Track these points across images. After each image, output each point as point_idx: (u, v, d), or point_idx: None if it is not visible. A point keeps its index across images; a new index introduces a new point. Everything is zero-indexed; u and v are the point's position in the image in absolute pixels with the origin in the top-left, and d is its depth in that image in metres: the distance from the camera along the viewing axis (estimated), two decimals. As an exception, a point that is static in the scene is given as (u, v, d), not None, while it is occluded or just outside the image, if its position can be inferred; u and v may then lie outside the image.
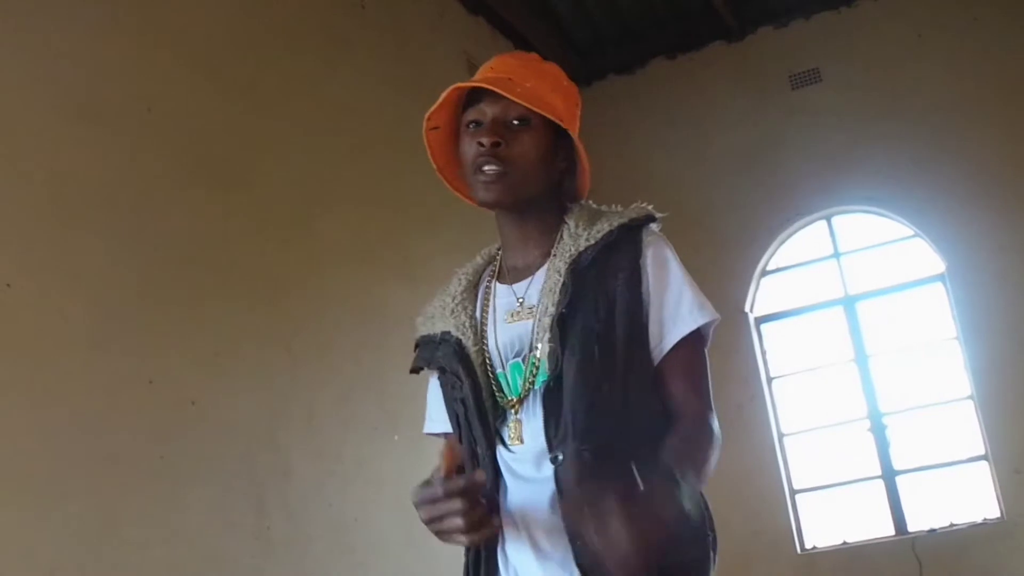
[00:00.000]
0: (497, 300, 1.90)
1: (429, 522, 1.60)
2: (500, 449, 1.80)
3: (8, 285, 3.16)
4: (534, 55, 1.99)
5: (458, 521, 1.57)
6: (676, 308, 1.81)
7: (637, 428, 1.76)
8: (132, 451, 3.45)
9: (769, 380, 6.85)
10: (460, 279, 1.97)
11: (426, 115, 1.92)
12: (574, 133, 1.89)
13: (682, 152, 7.14)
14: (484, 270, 1.99)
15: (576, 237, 1.84)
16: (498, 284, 1.92)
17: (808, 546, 6.52)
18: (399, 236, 5.08)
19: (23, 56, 3.43)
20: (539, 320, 1.81)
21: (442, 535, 1.62)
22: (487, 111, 1.85)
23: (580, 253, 1.81)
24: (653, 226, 1.88)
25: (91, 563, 3.20)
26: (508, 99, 1.82)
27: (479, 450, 1.80)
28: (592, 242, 1.82)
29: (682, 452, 1.67)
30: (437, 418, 1.98)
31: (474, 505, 1.58)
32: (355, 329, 4.64)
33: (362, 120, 5.13)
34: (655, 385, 1.81)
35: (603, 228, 1.84)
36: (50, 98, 3.48)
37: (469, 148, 1.85)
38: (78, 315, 3.39)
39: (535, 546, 1.75)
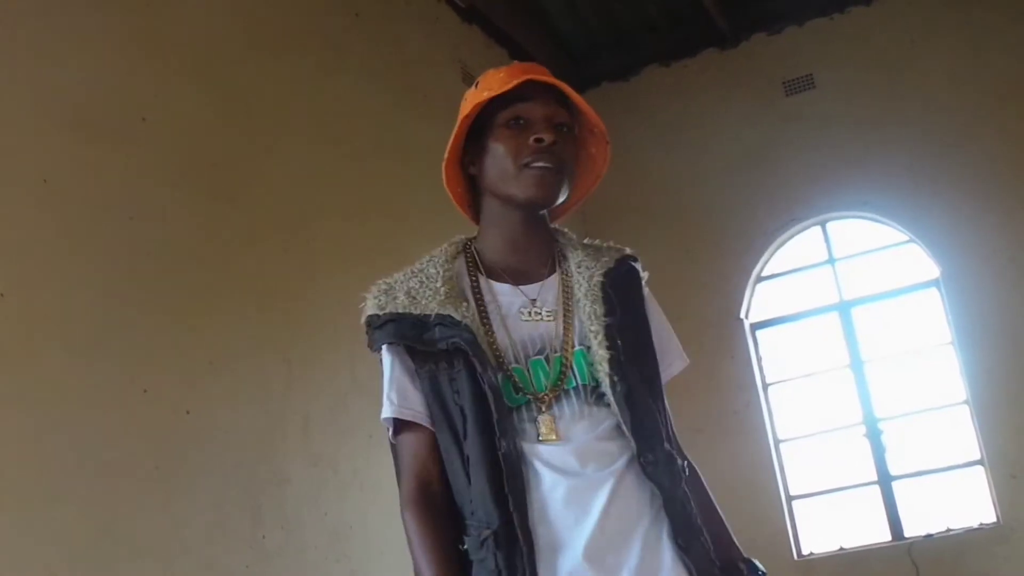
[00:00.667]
0: (499, 297, 1.88)
1: None
2: (529, 443, 1.77)
3: (2, 295, 3.16)
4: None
5: None
6: (673, 350, 1.98)
7: (674, 440, 1.87)
8: (127, 460, 3.44)
9: (765, 386, 6.84)
10: (438, 269, 1.89)
11: (485, 98, 1.85)
12: (607, 149, 1.96)
13: (676, 159, 7.15)
14: (454, 261, 1.94)
15: (595, 256, 1.91)
16: (494, 282, 1.90)
17: (805, 552, 6.51)
18: (394, 243, 5.05)
19: (16, 66, 3.43)
20: (584, 323, 1.83)
21: None
22: (538, 110, 1.85)
23: (610, 269, 1.89)
24: (640, 266, 1.97)
25: (86, 573, 3.19)
26: (557, 103, 1.85)
27: (503, 443, 1.73)
28: (612, 264, 1.90)
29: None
30: (410, 405, 1.85)
31: None
32: (351, 337, 4.58)
33: (357, 128, 5.14)
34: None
35: (614, 254, 1.94)
36: (43, 107, 3.48)
37: (516, 143, 1.84)
38: (72, 324, 3.39)
39: (582, 540, 1.72)
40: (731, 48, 7.27)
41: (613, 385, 1.77)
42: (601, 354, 1.79)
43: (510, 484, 1.71)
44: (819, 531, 6.59)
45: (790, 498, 6.63)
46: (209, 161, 4.17)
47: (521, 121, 1.84)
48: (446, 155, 1.93)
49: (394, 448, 1.90)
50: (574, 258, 1.91)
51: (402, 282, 1.90)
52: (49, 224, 3.41)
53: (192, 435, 3.74)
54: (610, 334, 1.80)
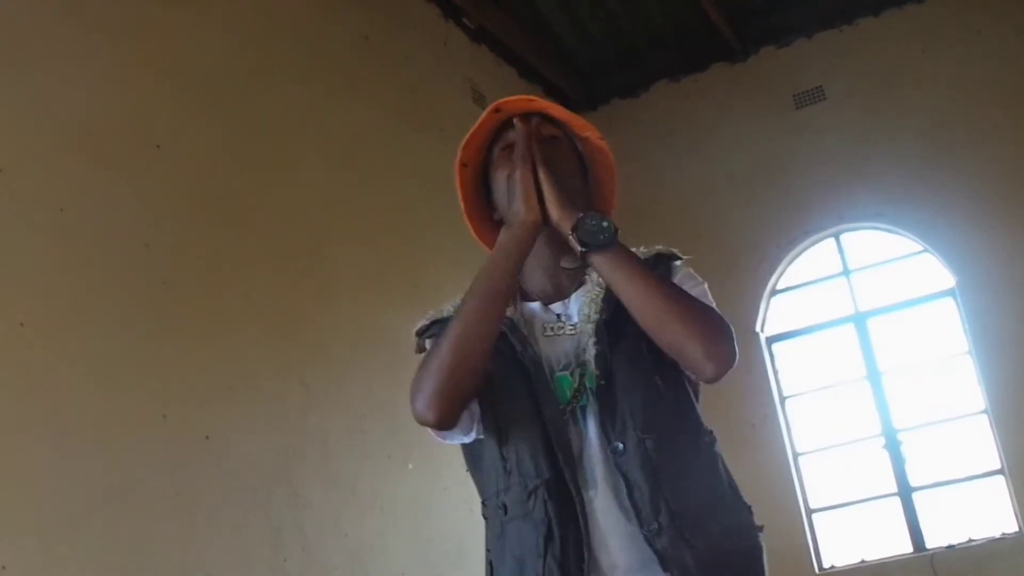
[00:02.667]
0: (528, 317, 1.90)
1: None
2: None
3: (21, 324, 3.18)
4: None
5: None
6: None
7: (690, 419, 1.85)
8: (147, 486, 3.45)
9: (782, 399, 6.83)
10: None
11: (462, 143, 1.92)
12: (608, 152, 1.95)
13: (688, 174, 7.15)
14: None
15: None
16: (525, 303, 1.92)
17: (826, 565, 6.48)
18: (408, 265, 5.09)
19: (30, 96, 3.46)
20: (584, 328, 1.84)
21: None
22: (523, 125, 1.87)
23: None
24: (679, 263, 1.94)
25: (109, 599, 3.20)
26: (538, 119, 1.88)
27: (546, 409, 1.79)
28: None
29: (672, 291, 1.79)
30: None
31: None
32: (367, 359, 4.64)
33: (369, 150, 5.16)
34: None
35: (640, 256, 1.89)
36: (58, 136, 3.51)
37: (507, 170, 1.87)
38: (91, 352, 3.40)
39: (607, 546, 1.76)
40: (740, 62, 7.29)
41: (596, 380, 1.79)
42: (590, 352, 1.80)
43: (558, 442, 1.76)
44: (840, 544, 6.56)
45: (810, 511, 6.60)
46: (223, 187, 4.20)
47: (510, 148, 1.88)
48: (468, 223, 1.99)
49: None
50: None
51: (452, 301, 1.95)
52: (66, 253, 3.43)
53: (212, 460, 3.75)
54: (599, 332, 1.81)
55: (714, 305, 1.87)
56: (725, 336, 1.75)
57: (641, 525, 1.72)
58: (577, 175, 1.93)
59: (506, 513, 1.80)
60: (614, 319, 1.80)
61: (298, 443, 4.20)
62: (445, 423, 1.77)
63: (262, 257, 4.28)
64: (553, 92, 7.24)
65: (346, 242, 4.81)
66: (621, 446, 1.75)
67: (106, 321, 3.49)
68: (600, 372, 1.78)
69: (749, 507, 1.85)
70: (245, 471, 3.89)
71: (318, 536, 4.13)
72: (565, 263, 1.92)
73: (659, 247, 1.95)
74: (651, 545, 1.71)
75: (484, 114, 1.89)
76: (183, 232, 3.92)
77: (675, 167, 7.17)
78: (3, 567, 2.89)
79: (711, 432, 1.87)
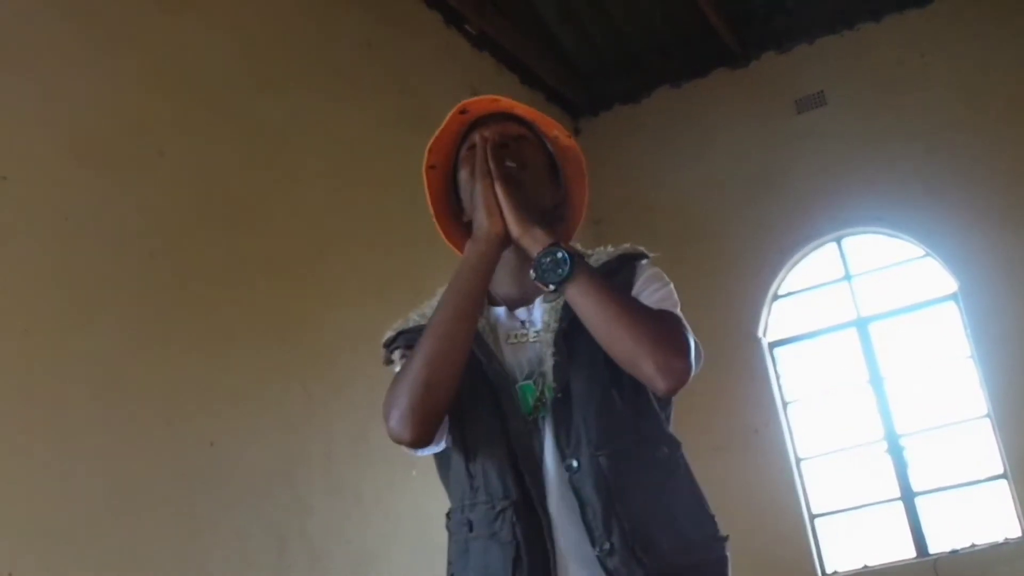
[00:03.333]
0: (494, 323, 1.89)
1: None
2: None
3: (25, 331, 3.19)
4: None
5: None
6: (650, 297, 1.84)
7: (650, 431, 1.80)
8: (152, 492, 3.46)
9: (784, 405, 6.83)
10: None
11: (428, 146, 1.92)
12: (577, 150, 1.93)
13: (689, 179, 7.16)
14: None
15: None
16: (492, 308, 1.91)
17: (829, 571, 6.48)
18: (409, 270, 5.08)
19: (35, 104, 3.47)
20: (545, 337, 1.82)
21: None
22: (484, 133, 1.89)
23: None
24: (645, 262, 1.91)
25: (114, 606, 3.21)
26: (503, 121, 1.88)
27: (513, 424, 1.77)
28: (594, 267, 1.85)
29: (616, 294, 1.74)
30: None
31: None
32: (370, 364, 4.60)
33: (370, 157, 5.16)
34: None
35: (601, 258, 1.89)
36: (62, 144, 3.52)
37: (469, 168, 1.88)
38: (95, 358, 3.41)
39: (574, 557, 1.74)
40: (741, 67, 7.29)
41: (554, 393, 1.77)
42: (548, 363, 1.79)
43: (524, 463, 1.75)
44: (843, 549, 6.56)
45: (813, 516, 6.60)
46: (226, 193, 4.20)
47: (474, 148, 1.89)
48: (437, 226, 2.00)
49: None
50: None
51: (417, 309, 1.96)
52: (70, 260, 3.43)
53: (216, 466, 3.75)
54: (557, 342, 1.79)
55: (678, 308, 1.84)
56: (678, 351, 1.71)
57: (594, 545, 1.70)
58: (544, 174, 1.92)
59: (471, 530, 1.78)
60: (573, 329, 1.78)
61: (302, 449, 4.21)
62: (420, 441, 1.76)
63: (265, 263, 4.29)
64: (555, 98, 7.25)
65: (348, 248, 4.82)
66: (576, 463, 1.73)
67: (110, 328, 3.50)
68: (557, 385, 1.77)
69: (712, 517, 1.80)
70: (249, 478, 3.90)
71: (322, 542, 4.14)
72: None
73: (626, 246, 1.93)
74: (604, 566, 1.69)
75: (449, 116, 1.89)
76: (186, 239, 3.93)
77: (676, 172, 7.17)
78: (9, 574, 2.89)
79: (675, 442, 1.83)
